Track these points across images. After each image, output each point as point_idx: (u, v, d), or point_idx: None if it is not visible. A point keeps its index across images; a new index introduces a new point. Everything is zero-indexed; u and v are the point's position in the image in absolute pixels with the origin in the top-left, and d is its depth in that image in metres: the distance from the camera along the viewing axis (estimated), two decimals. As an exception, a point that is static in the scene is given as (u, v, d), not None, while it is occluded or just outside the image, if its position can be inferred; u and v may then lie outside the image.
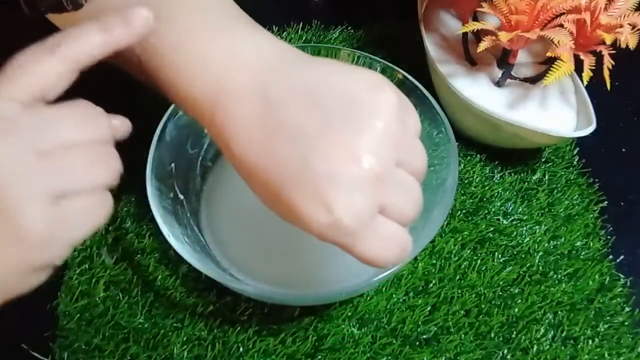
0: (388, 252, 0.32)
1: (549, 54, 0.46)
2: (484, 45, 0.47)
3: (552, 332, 0.47)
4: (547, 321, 0.47)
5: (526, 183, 0.54)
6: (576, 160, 0.56)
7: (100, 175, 0.30)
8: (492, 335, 0.46)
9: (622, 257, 0.51)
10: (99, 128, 0.30)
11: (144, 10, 0.32)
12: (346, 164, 0.30)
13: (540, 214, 0.53)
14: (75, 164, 0.29)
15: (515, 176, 0.55)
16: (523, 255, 0.50)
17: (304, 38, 0.63)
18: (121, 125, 0.33)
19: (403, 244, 0.32)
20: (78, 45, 0.30)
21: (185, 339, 0.45)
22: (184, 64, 0.34)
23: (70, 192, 0.28)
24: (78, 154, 0.29)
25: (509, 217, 0.52)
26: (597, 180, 0.55)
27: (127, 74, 0.40)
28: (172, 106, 0.47)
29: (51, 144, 0.28)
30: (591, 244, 0.51)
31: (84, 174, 0.29)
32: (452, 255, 0.50)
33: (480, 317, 0.47)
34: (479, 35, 0.54)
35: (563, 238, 0.51)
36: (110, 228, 0.49)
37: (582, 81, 0.48)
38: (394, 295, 0.47)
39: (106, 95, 0.34)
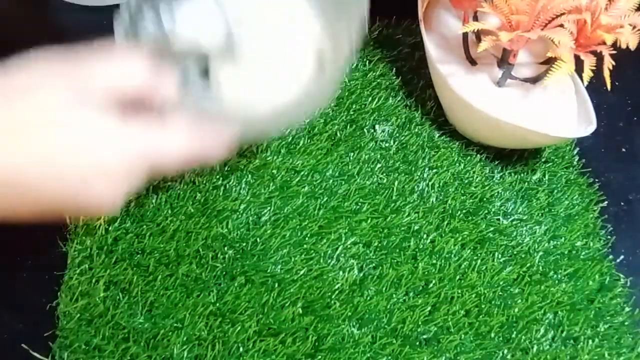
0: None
1: (549, 54, 0.46)
2: (484, 45, 0.47)
3: (552, 332, 0.47)
4: (547, 321, 0.47)
5: (526, 183, 0.54)
6: (576, 160, 0.56)
7: None
8: (492, 335, 0.46)
9: (622, 257, 0.51)
10: None
11: None
12: None
13: (540, 214, 0.53)
14: None
15: (515, 176, 0.55)
16: (523, 255, 0.50)
17: (304, 38, 0.63)
18: None
19: None
20: None
21: (185, 339, 0.45)
22: None
23: None
24: None
25: (509, 217, 0.52)
26: (597, 180, 0.55)
27: None
28: None
29: None
30: (591, 244, 0.51)
31: None
32: (452, 255, 0.50)
33: (480, 317, 0.47)
34: (479, 35, 0.54)
35: (563, 238, 0.51)
36: (110, 228, 0.49)
37: (582, 81, 0.48)
38: (394, 295, 0.47)
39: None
